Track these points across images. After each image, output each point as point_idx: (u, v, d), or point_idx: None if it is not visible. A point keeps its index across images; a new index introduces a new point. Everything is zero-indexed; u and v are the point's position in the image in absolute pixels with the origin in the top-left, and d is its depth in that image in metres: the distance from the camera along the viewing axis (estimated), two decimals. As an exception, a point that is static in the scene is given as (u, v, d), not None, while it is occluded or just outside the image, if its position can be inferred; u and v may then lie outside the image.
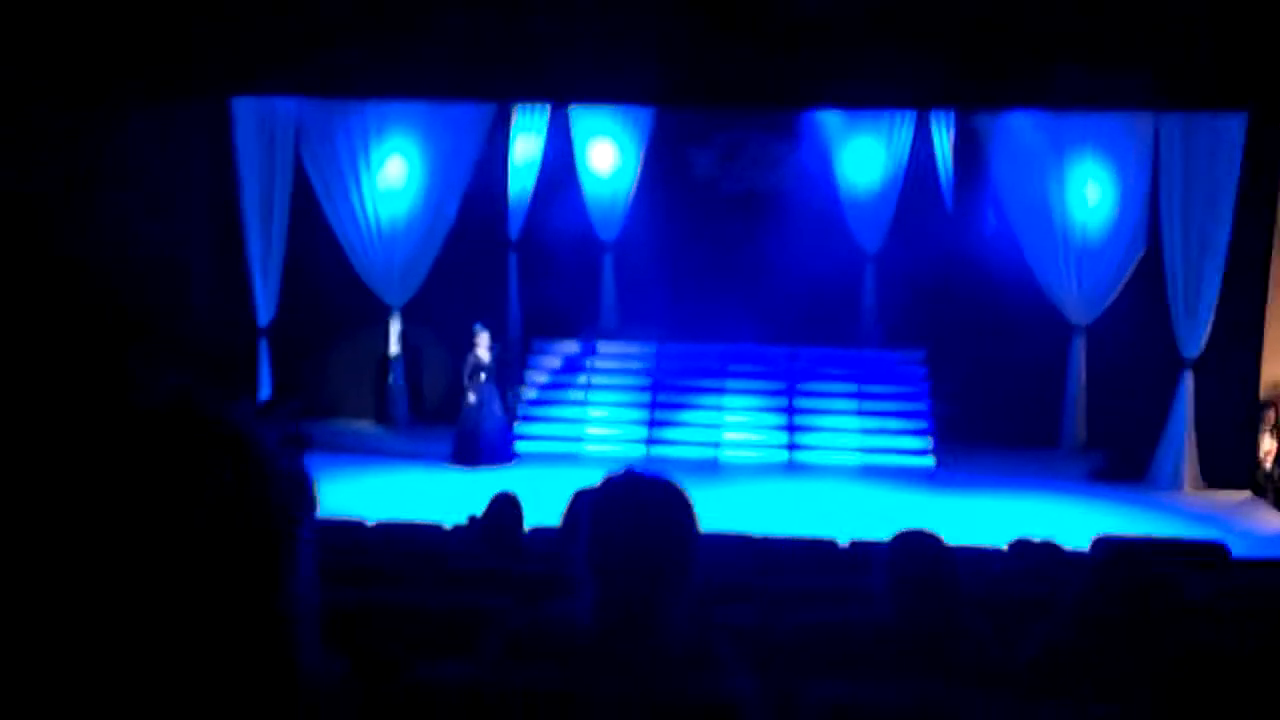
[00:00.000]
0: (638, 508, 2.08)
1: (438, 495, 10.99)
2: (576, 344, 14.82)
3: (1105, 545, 2.98)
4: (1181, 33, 10.52)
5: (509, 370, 13.89)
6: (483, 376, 12.74)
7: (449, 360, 15.09)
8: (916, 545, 3.24)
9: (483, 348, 12.82)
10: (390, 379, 14.89)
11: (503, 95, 13.60)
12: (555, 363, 14.77)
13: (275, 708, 0.88)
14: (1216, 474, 12.39)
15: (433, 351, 15.21)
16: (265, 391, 13.64)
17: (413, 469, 12.47)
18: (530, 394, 14.30)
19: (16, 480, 0.84)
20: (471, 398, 12.67)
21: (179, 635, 0.83)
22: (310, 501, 0.97)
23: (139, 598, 0.82)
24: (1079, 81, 11.02)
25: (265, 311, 13.89)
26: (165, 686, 0.82)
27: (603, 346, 14.78)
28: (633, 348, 14.73)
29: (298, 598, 0.91)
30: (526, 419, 13.90)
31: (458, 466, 12.50)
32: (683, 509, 2.11)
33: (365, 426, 14.54)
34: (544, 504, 7.17)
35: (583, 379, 14.50)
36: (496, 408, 12.99)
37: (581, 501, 3.73)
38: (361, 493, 10.68)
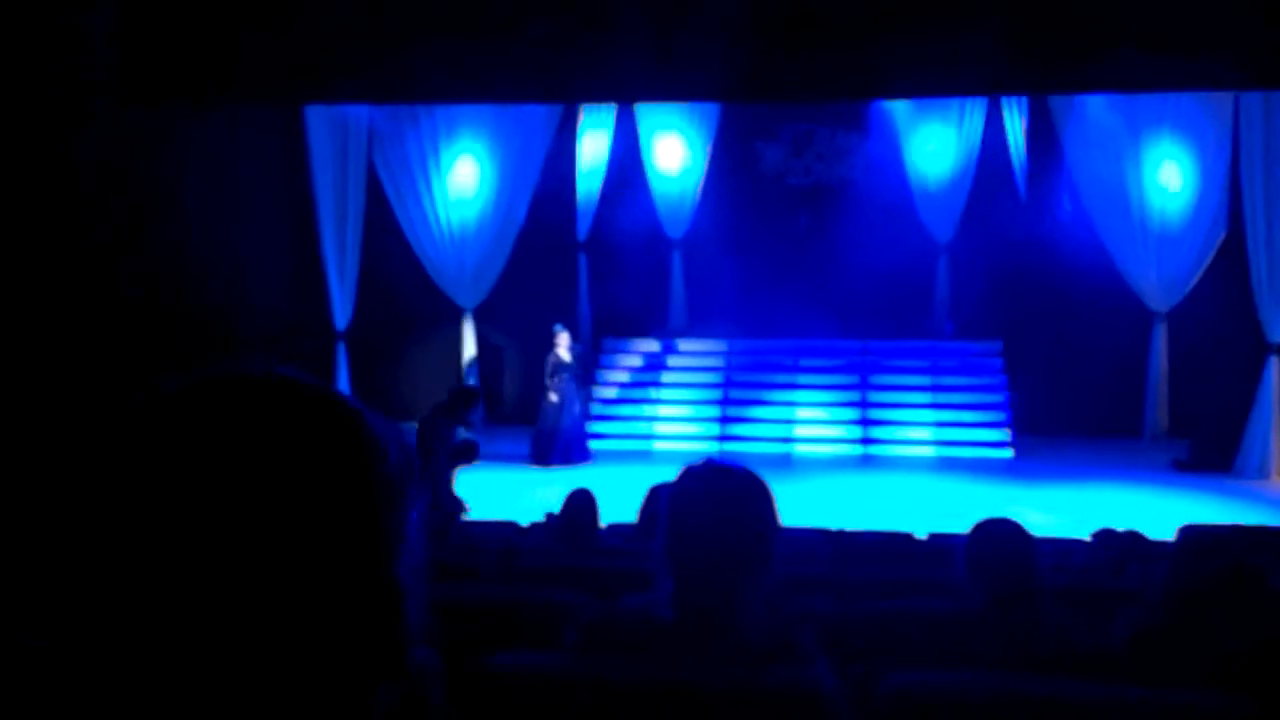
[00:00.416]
0: (717, 498, 2.08)
1: (515, 494, 11.07)
2: (648, 343, 14.85)
3: (1191, 532, 2.93)
4: (1262, 7, 10.24)
5: (585, 370, 13.92)
6: (563, 376, 12.69)
7: (522, 361, 15.21)
8: (997, 533, 3.20)
9: (563, 348, 12.74)
10: (465, 381, 15.04)
11: (570, 96, 13.66)
12: (626, 361, 14.82)
13: (380, 680, 0.90)
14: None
15: (507, 353, 15.35)
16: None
17: (489, 469, 12.56)
18: (603, 393, 14.35)
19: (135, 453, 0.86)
20: (553, 397, 12.61)
21: (289, 602, 0.85)
22: (420, 491, 0.98)
23: (246, 567, 0.84)
24: (1154, 63, 10.78)
25: (342, 315, 14.10)
26: (270, 657, 0.84)
27: (673, 344, 14.79)
28: (704, 345, 14.73)
29: (404, 576, 0.92)
30: (599, 418, 13.95)
31: (537, 466, 12.48)
32: (763, 499, 2.11)
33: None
34: (618, 501, 7.20)
35: (654, 377, 14.52)
36: (576, 408, 12.94)
37: (659, 496, 3.74)
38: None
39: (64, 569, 0.85)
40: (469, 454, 9.19)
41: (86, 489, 0.85)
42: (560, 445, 12.61)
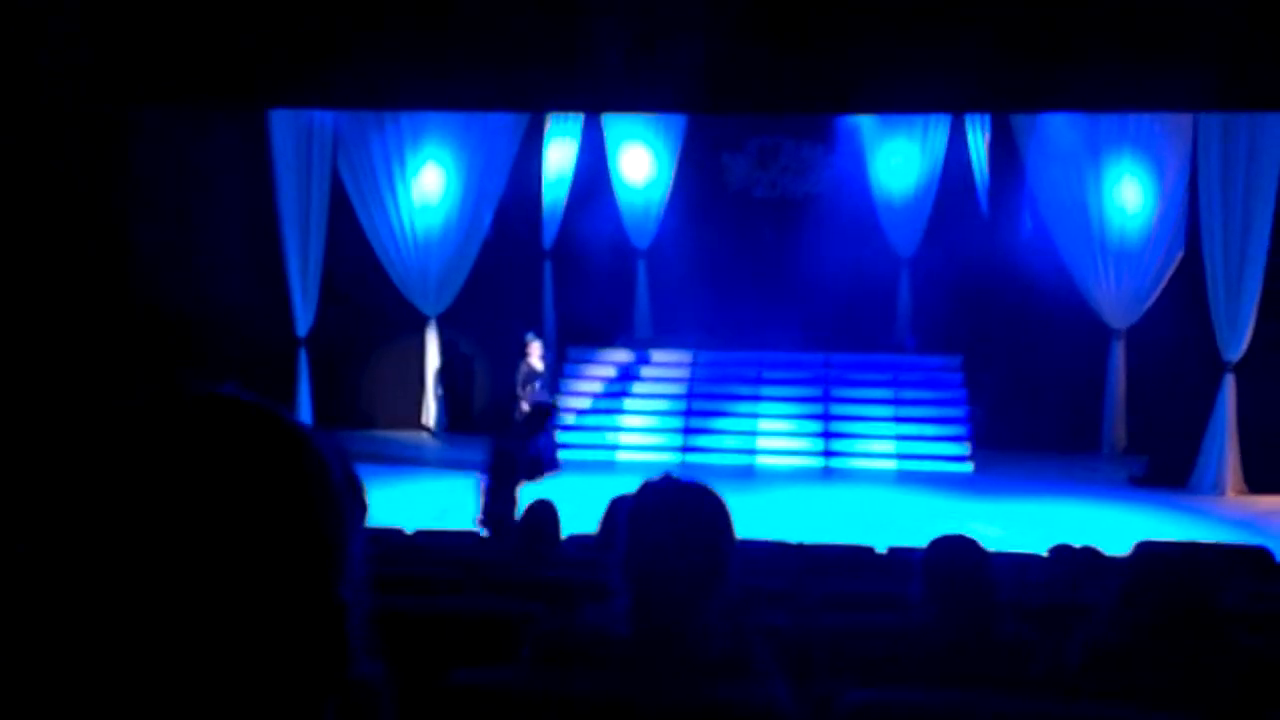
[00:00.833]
0: (674, 514, 2.08)
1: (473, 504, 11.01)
2: (613, 352, 14.84)
3: (1145, 550, 2.96)
4: (1225, 31, 10.40)
5: (551, 379, 13.82)
6: (535, 386, 12.47)
7: (486, 369, 15.18)
8: (953, 549, 3.22)
9: (535, 357, 12.47)
10: (428, 388, 14.99)
11: (537, 105, 13.65)
12: (590, 371, 14.81)
13: (325, 696, 0.89)
14: (1260, 479, 12.22)
15: (471, 360, 15.30)
16: (305, 406, 13.71)
17: (451, 478, 12.50)
18: (567, 403, 14.32)
19: (68, 470, 0.86)
20: (525, 407, 12.37)
21: (232, 621, 0.84)
22: (363, 505, 0.98)
23: (191, 586, 0.83)
24: (1119, 83, 10.92)
25: (304, 321, 14.01)
26: (214, 675, 0.84)
27: (637, 354, 14.80)
28: (668, 355, 14.74)
29: (348, 596, 0.92)
30: (563, 428, 13.92)
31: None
32: (719, 515, 2.12)
33: (404, 436, 14.62)
34: (585, 512, 7.19)
35: (618, 387, 14.52)
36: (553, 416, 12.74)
37: (618, 508, 3.74)
38: (400, 502, 10.73)
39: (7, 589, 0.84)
40: (545, 415, 8.94)
41: (32, 505, 0.85)
42: (539, 454, 12.35)
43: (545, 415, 9.87)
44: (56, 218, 10.28)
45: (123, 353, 10.33)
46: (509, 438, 9.14)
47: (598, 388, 14.55)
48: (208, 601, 0.83)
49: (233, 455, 0.87)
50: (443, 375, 15.07)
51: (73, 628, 0.82)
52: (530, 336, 12.70)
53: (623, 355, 14.84)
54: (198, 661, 0.82)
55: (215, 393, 0.91)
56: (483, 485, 6.97)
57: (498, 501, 6.91)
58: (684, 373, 14.62)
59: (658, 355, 14.76)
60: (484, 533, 6.62)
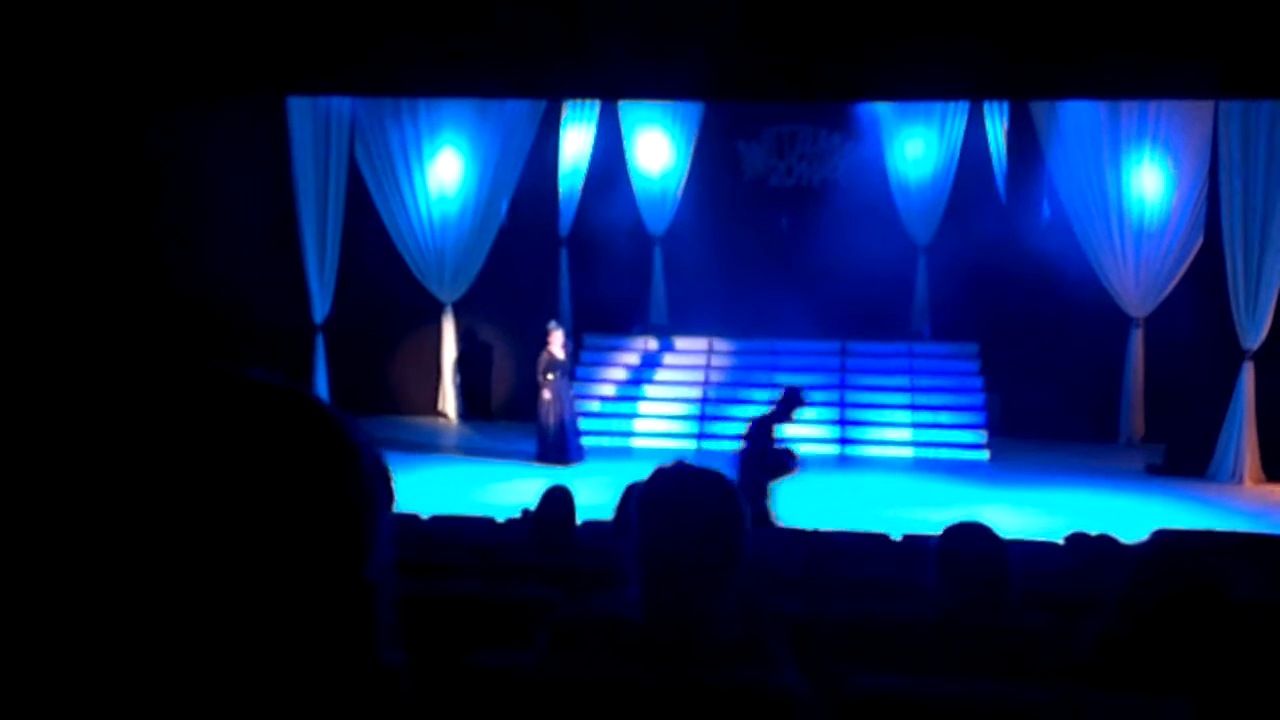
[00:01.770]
0: (686, 499, 2.09)
1: (494, 490, 11.06)
2: (627, 339, 14.84)
3: (1158, 539, 2.96)
4: (1242, 18, 10.33)
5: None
6: (556, 374, 12.23)
7: (502, 357, 15.22)
8: (967, 536, 3.23)
9: (557, 344, 12.27)
10: (445, 375, 15.04)
11: (554, 92, 13.66)
12: (607, 358, 14.81)
13: (351, 677, 0.91)
14: (1278, 468, 12.16)
15: (488, 348, 15.34)
16: (322, 392, 13.75)
17: (468, 464, 12.54)
18: (585, 389, 14.33)
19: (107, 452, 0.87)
20: (546, 394, 12.21)
21: (262, 599, 0.86)
22: (390, 491, 0.99)
23: (223, 564, 0.85)
24: (1135, 70, 10.87)
25: (321, 308, 14.06)
26: (244, 653, 0.85)
27: (654, 342, 14.79)
28: (684, 343, 14.74)
29: (376, 580, 0.93)
30: (583, 414, 13.91)
31: (545, 465, 11.93)
32: (731, 501, 2.13)
33: (420, 422, 14.68)
34: (597, 498, 7.22)
35: (634, 374, 14.52)
36: (572, 405, 12.57)
37: (633, 494, 3.76)
38: (416, 488, 10.78)
39: (36, 568, 0.86)
40: (787, 466, 8.83)
41: (69, 483, 0.86)
42: (560, 442, 12.23)
43: (793, 405, 9.71)
44: (77, 205, 10.34)
45: (141, 337, 10.40)
46: (760, 431, 8.98)
47: (614, 375, 14.56)
48: (239, 580, 0.84)
49: (268, 437, 0.88)
50: (459, 362, 15.10)
51: (106, 601, 0.84)
52: (552, 324, 12.56)
53: (639, 342, 14.84)
54: (229, 639, 0.84)
55: (249, 375, 0.93)
56: (737, 468, 6.74)
57: (748, 493, 6.74)
58: (700, 360, 14.62)
59: (674, 342, 14.76)
60: None
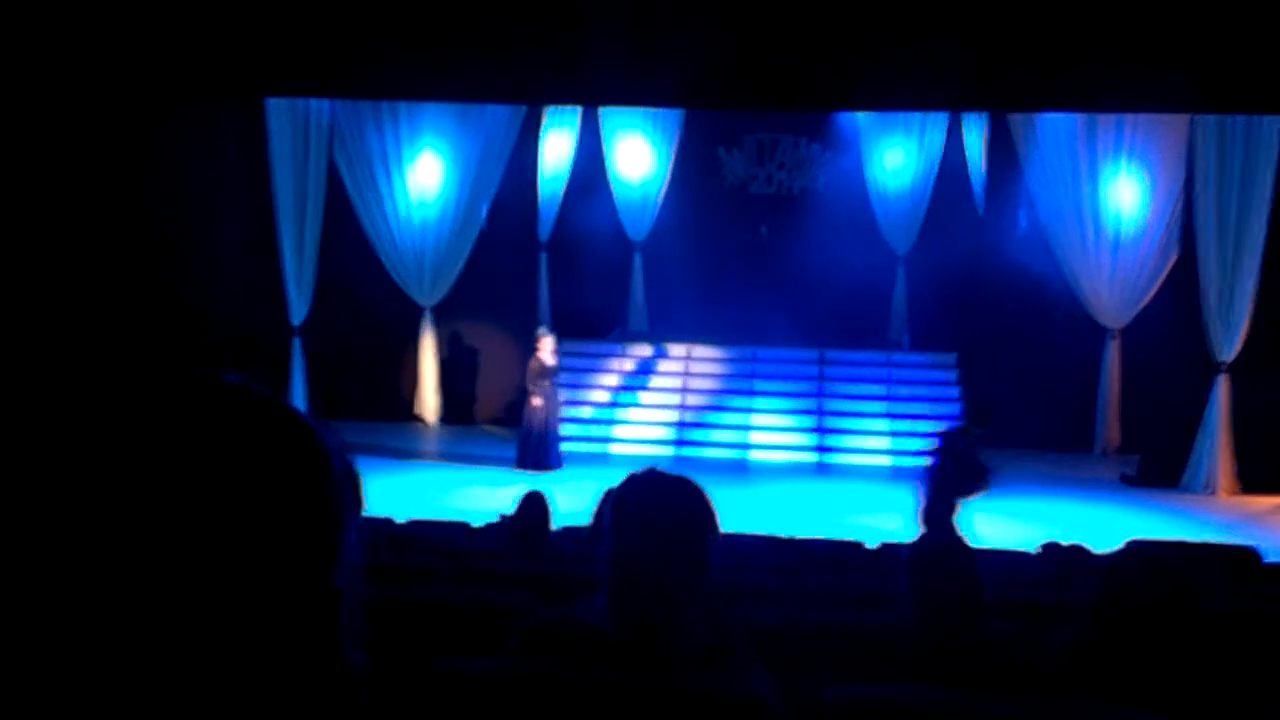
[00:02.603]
0: (656, 507, 2.09)
1: (471, 496, 11.03)
2: (606, 345, 14.83)
3: (1129, 548, 2.97)
4: (1218, 33, 10.42)
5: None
6: (547, 380, 12.16)
7: (481, 361, 15.19)
8: (939, 547, 3.24)
9: (547, 351, 12.14)
10: (422, 380, 15.00)
11: (534, 97, 13.65)
12: (585, 364, 14.79)
13: (316, 682, 0.90)
14: (1251, 479, 12.26)
15: (467, 353, 15.31)
16: (299, 396, 13.68)
17: (446, 469, 12.51)
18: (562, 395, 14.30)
19: (74, 454, 0.87)
20: (536, 401, 12.08)
21: (229, 603, 0.85)
22: (359, 497, 0.99)
23: (191, 568, 0.84)
24: (1114, 84, 10.95)
25: (298, 311, 14.00)
26: (209, 657, 0.85)
27: (632, 348, 14.79)
28: (662, 349, 14.74)
29: (343, 586, 0.93)
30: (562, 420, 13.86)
31: (525, 471, 11.81)
32: (701, 509, 2.13)
33: (398, 426, 14.62)
34: (573, 504, 7.21)
35: (612, 380, 14.51)
36: (560, 412, 12.49)
37: (609, 501, 3.76)
38: (393, 492, 10.73)
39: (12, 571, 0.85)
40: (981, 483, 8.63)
41: (47, 484, 0.86)
42: (543, 449, 12.13)
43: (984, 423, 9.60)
44: (53, 207, 10.27)
45: (117, 339, 10.33)
46: (956, 440, 8.80)
47: (592, 380, 14.55)
48: (206, 583, 0.84)
49: (238, 441, 0.88)
50: (438, 366, 15.07)
51: (77, 606, 0.83)
52: (542, 330, 12.43)
53: (618, 349, 14.83)
54: (194, 643, 0.84)
55: (221, 379, 0.92)
56: (927, 483, 6.62)
57: (940, 501, 6.62)
58: (679, 367, 14.63)
59: (652, 349, 14.76)
60: (922, 530, 6.15)
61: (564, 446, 12.79)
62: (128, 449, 0.85)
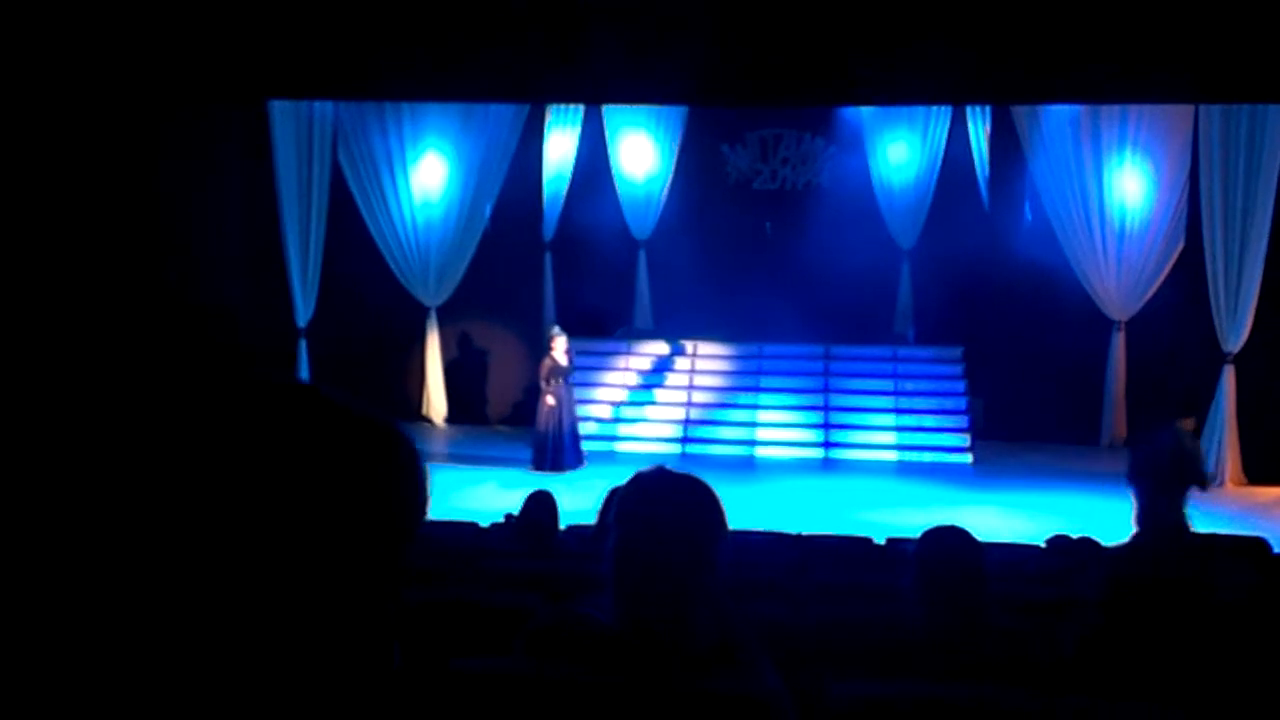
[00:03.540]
0: (663, 505, 2.09)
1: (480, 496, 11.04)
2: (612, 343, 14.83)
3: (1138, 540, 2.97)
4: (1221, 24, 10.39)
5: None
6: (560, 380, 12.10)
7: (488, 361, 15.20)
8: (945, 541, 3.23)
9: (560, 350, 12.11)
10: (429, 380, 15.01)
11: (538, 97, 13.65)
12: (591, 362, 14.79)
13: (377, 680, 0.91)
14: (1259, 470, 12.24)
15: (473, 353, 15.32)
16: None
17: (454, 470, 12.51)
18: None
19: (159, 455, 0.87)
20: (550, 400, 12.04)
21: (292, 615, 0.86)
22: (427, 499, 1.00)
23: (270, 571, 0.85)
24: (1116, 75, 10.92)
25: (304, 312, 14.02)
26: (276, 655, 0.85)
27: (637, 346, 14.79)
28: (668, 347, 14.74)
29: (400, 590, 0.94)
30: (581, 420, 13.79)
31: (542, 472, 11.78)
32: (709, 506, 2.12)
33: (405, 427, 14.63)
34: (580, 502, 7.21)
35: (618, 378, 14.51)
36: (574, 411, 12.42)
37: (614, 499, 3.76)
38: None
39: (69, 564, 0.86)
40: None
41: (122, 483, 0.86)
42: (559, 449, 12.08)
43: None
44: (58, 210, 10.29)
45: (123, 341, 10.35)
46: (1173, 436, 8.68)
47: (598, 379, 14.55)
48: (274, 583, 0.84)
49: (334, 448, 0.88)
50: (443, 366, 15.08)
51: (142, 607, 0.84)
52: (555, 330, 12.40)
53: (623, 347, 14.83)
54: (262, 642, 0.84)
55: (308, 386, 0.93)
56: (1141, 488, 6.54)
57: (1157, 506, 6.51)
58: (685, 364, 14.62)
59: (658, 346, 14.76)
60: (1136, 531, 5.94)
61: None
62: (214, 456, 0.86)
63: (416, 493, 0.94)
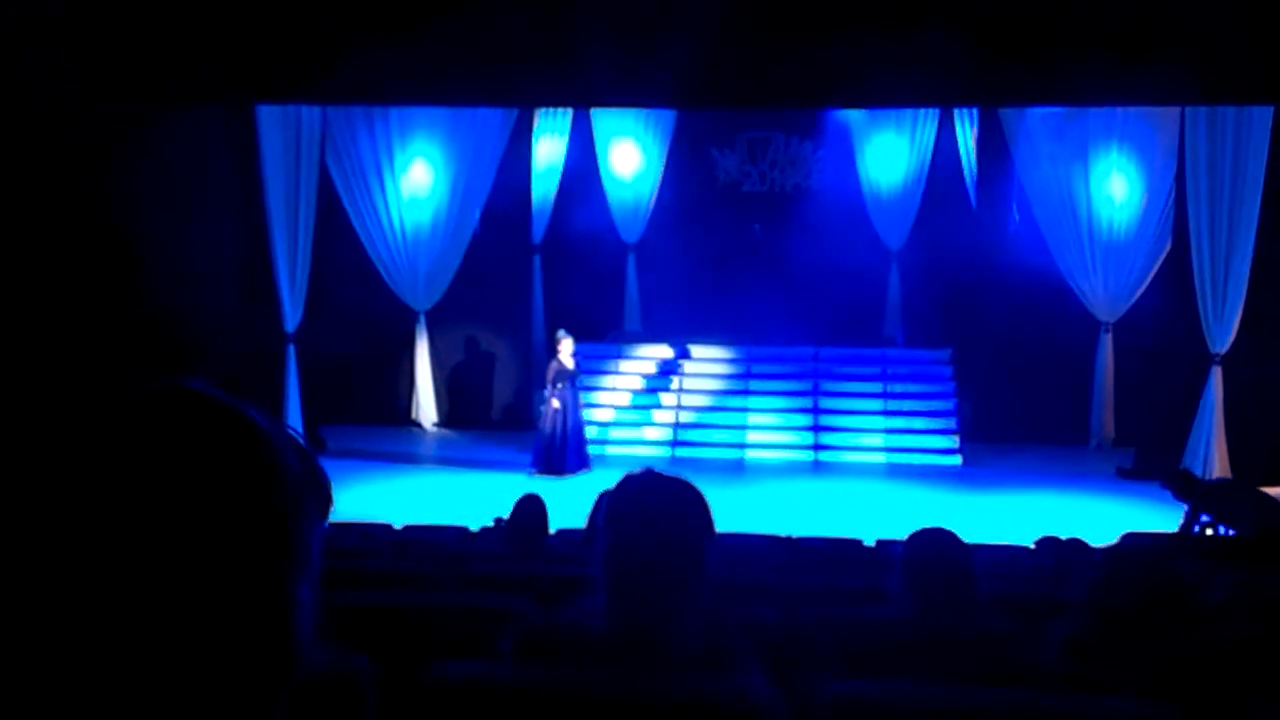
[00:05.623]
0: (652, 508, 2.09)
1: (474, 500, 11.02)
2: (601, 346, 14.82)
3: (1127, 542, 2.98)
4: (1210, 25, 10.43)
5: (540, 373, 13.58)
6: (565, 383, 12.09)
7: (479, 364, 15.19)
8: (932, 543, 3.23)
9: (566, 354, 12.12)
10: (418, 384, 14.99)
11: (526, 100, 13.64)
12: (581, 365, 14.76)
13: (271, 692, 0.90)
14: (1247, 470, 12.27)
15: (463, 355, 15.30)
16: (294, 402, 13.63)
17: (443, 473, 12.50)
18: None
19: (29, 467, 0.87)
20: (555, 404, 12.04)
21: (182, 613, 0.85)
22: (325, 501, 0.98)
23: (141, 579, 0.84)
24: (1106, 77, 10.95)
25: (292, 317, 13.98)
26: (162, 666, 0.84)
27: (627, 349, 14.79)
28: (657, 349, 14.75)
29: (305, 592, 0.92)
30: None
31: (543, 475, 11.81)
32: (697, 510, 2.12)
33: (394, 431, 14.61)
34: (570, 506, 7.20)
35: (607, 381, 14.51)
36: (579, 415, 12.41)
37: (604, 502, 3.76)
38: (390, 497, 10.73)
39: None
40: None
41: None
42: (560, 452, 12.07)
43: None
44: (45, 215, 10.26)
45: (108, 348, 10.31)
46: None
47: (587, 381, 14.53)
48: (157, 594, 0.83)
49: (187, 448, 0.87)
50: (433, 370, 15.07)
51: (26, 621, 0.83)
52: (561, 333, 12.38)
53: (612, 349, 14.83)
54: (146, 654, 0.83)
55: (174, 387, 0.92)
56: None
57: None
58: (674, 366, 14.63)
59: (647, 349, 14.77)
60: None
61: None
62: (70, 460, 0.85)
63: (283, 496, 0.91)
